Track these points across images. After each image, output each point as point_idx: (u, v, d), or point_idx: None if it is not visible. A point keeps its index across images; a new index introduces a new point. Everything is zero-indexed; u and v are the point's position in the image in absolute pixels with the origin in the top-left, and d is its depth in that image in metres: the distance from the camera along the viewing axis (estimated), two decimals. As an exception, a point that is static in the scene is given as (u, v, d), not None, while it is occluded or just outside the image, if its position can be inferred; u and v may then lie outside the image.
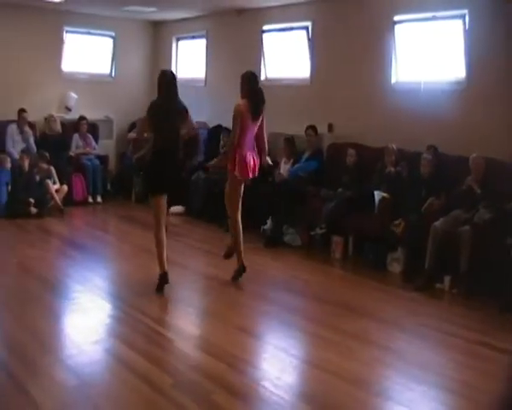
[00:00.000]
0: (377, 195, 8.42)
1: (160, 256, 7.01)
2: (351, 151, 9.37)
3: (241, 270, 7.49)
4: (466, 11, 8.61)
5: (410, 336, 6.12)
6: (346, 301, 6.90)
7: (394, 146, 8.74)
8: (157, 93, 7.12)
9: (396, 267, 8.24)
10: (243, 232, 7.53)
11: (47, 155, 11.20)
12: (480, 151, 7.91)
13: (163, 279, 6.98)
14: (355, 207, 8.67)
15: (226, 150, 7.51)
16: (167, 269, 7.00)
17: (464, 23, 8.65)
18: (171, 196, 7.25)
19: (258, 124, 7.35)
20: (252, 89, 7.29)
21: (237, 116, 7.20)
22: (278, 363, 5.42)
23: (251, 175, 7.38)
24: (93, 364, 5.19)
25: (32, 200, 10.63)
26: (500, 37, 8.27)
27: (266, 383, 5.02)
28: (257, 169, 7.46)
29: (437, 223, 7.63)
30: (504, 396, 2.21)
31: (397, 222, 8.06)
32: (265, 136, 7.58)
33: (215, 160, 7.88)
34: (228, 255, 7.75)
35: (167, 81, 7.09)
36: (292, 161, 10.02)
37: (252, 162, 7.32)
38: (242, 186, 7.50)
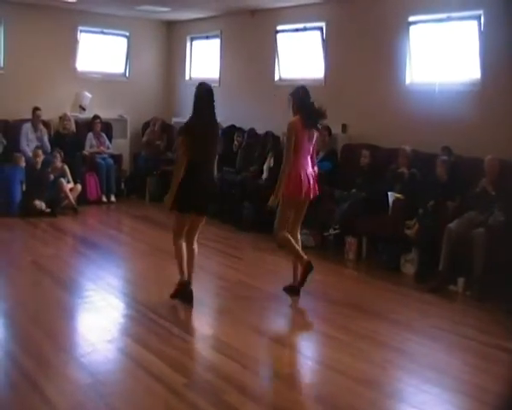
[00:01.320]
0: (391, 196, 8.40)
1: (179, 265, 6.64)
2: (365, 152, 9.34)
3: (309, 268, 6.81)
4: (481, 12, 8.58)
5: (422, 338, 6.11)
6: (359, 302, 6.89)
7: (408, 148, 8.72)
8: (193, 108, 6.65)
9: (409, 269, 8.22)
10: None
11: (61, 153, 11.23)
12: (494, 153, 7.88)
13: (181, 288, 6.61)
14: (369, 208, 8.66)
15: (281, 175, 6.81)
16: (188, 279, 6.66)
17: (479, 24, 8.61)
18: (202, 213, 6.73)
19: (313, 142, 6.95)
20: (304, 104, 6.86)
21: (291, 133, 6.75)
22: (291, 363, 5.43)
23: (304, 196, 6.82)
24: (107, 363, 5.22)
25: (38, 202, 10.67)
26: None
27: (279, 384, 5.04)
28: (315, 191, 6.93)
29: (451, 225, 7.61)
30: (506, 397, 2.21)
31: (411, 223, 8.05)
32: (315, 156, 7.19)
33: (272, 198, 6.90)
34: (301, 282, 6.89)
35: (208, 96, 6.64)
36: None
37: (307, 182, 6.79)
38: (303, 208, 6.99)
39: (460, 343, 6.05)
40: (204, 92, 6.62)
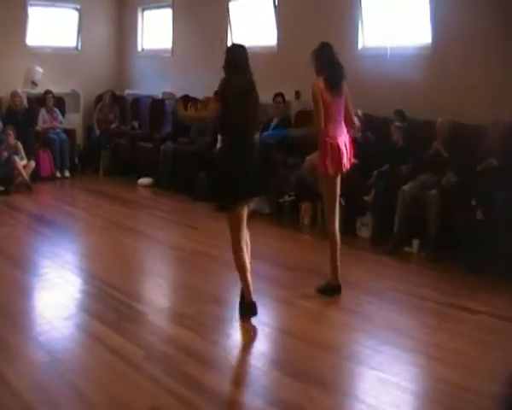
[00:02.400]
0: (345, 160, 8.43)
1: (243, 280, 5.62)
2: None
3: (335, 289, 6.29)
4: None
5: (379, 300, 6.20)
6: (315, 267, 6.90)
7: (360, 112, 8.74)
8: (226, 71, 5.71)
9: (365, 232, 8.30)
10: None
11: (14, 130, 11.08)
12: (446, 115, 7.97)
13: (251, 310, 5.63)
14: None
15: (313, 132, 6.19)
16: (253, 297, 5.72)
17: (430, -12, 8.67)
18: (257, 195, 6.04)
19: (343, 99, 6.20)
20: (330, 62, 6.19)
21: (317, 97, 6.03)
22: (249, 331, 5.46)
23: (348, 165, 6.18)
24: (65, 340, 5.18)
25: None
26: (465, 1, 8.31)
27: (238, 352, 5.08)
28: (351, 161, 6.27)
29: (405, 187, 7.69)
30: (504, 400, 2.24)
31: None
32: (352, 109, 6.38)
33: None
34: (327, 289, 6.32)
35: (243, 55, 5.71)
36: (260, 128, 10.02)
37: (345, 150, 6.12)
38: (339, 183, 6.21)
39: (417, 304, 6.14)
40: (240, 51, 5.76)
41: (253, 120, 5.59)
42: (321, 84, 6.05)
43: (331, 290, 6.25)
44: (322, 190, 6.32)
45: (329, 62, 6.17)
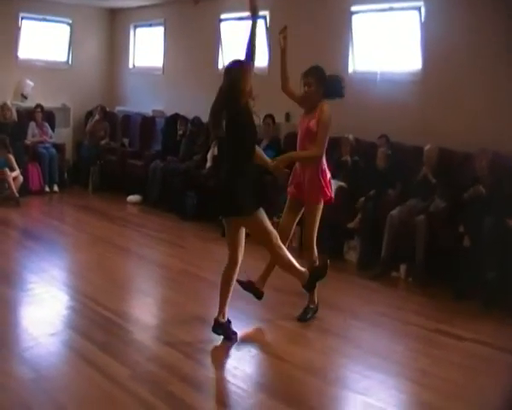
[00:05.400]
0: (334, 184, 8.44)
1: (295, 272, 5.84)
2: (308, 141, 9.38)
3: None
4: (421, 3, 8.72)
5: (365, 325, 6.21)
6: (301, 290, 6.89)
7: (351, 136, 8.79)
8: None
9: (353, 256, 8.33)
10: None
11: (7, 141, 11.06)
12: (434, 141, 8.03)
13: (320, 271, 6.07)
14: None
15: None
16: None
17: (420, 15, 8.74)
18: None
19: None
20: (336, 89, 6.11)
21: (330, 122, 5.98)
22: (235, 352, 5.46)
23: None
24: (50, 356, 5.16)
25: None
26: (455, 29, 8.38)
27: (224, 373, 5.08)
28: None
29: (393, 212, 7.72)
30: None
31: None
32: None
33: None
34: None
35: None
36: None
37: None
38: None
39: (403, 329, 6.16)
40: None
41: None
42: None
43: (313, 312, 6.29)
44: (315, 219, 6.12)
45: (336, 90, 6.10)
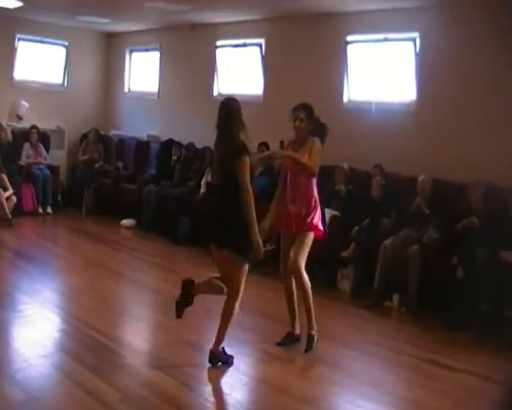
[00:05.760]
0: (328, 213, 8.47)
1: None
2: (302, 169, 9.40)
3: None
4: (417, 34, 8.79)
5: (358, 354, 6.20)
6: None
7: (345, 165, 8.82)
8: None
9: (346, 285, 8.32)
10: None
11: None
12: (429, 172, 8.07)
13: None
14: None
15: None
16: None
17: (415, 46, 8.82)
18: None
19: None
20: (321, 124, 6.22)
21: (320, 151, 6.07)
22: (228, 379, 5.43)
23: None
24: (41, 378, 5.13)
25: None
26: (450, 60, 8.46)
27: (216, 400, 5.06)
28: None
29: (387, 242, 7.74)
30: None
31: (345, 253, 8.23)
32: None
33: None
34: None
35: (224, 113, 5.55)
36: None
37: None
38: None
39: (396, 359, 6.15)
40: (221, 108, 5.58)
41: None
42: None
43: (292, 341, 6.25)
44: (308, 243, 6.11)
45: (322, 126, 6.20)
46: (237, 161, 5.30)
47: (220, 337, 5.56)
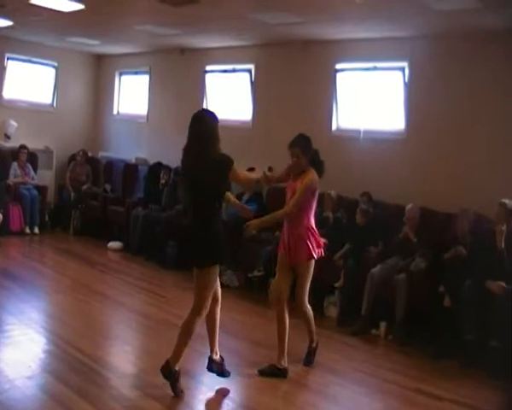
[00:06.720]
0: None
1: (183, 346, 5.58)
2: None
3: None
4: (406, 64, 8.88)
5: (344, 381, 6.19)
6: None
7: (333, 192, 8.84)
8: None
9: (333, 311, 8.32)
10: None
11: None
12: (416, 201, 8.11)
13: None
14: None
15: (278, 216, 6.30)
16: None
17: (404, 75, 8.91)
18: None
19: None
20: (318, 157, 6.31)
21: (313, 189, 6.10)
22: (214, 406, 5.42)
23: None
24: (26, 400, 5.08)
25: None
26: (438, 90, 8.53)
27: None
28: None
29: (374, 270, 7.76)
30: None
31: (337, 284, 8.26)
32: None
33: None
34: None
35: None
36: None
37: None
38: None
39: (382, 387, 6.14)
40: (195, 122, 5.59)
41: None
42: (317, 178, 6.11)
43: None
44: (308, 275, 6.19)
45: (318, 159, 6.28)
46: (228, 172, 5.37)
47: (178, 354, 5.45)
